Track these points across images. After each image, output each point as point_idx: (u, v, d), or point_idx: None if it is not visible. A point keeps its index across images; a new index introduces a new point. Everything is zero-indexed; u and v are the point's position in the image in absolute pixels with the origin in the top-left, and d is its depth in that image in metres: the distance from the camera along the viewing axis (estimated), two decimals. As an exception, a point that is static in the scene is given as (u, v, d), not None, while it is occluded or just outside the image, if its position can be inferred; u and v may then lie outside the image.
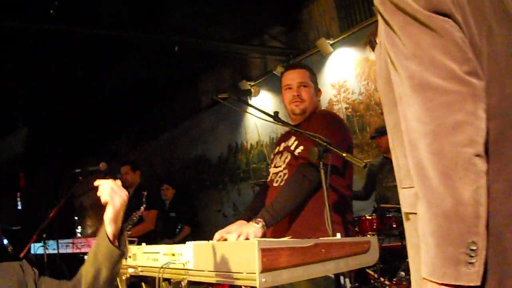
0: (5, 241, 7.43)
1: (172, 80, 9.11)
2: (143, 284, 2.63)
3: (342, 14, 6.25)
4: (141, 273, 2.28)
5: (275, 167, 2.87)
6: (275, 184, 2.80)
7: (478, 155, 1.05)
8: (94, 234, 5.59)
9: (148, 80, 8.80)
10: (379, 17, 1.26)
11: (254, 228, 2.35)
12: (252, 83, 7.70)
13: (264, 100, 7.56)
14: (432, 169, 1.06)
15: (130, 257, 2.39)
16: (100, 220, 1.88)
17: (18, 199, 13.66)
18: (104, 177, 4.76)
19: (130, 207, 5.42)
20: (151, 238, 5.30)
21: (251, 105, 2.93)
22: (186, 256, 1.92)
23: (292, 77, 2.88)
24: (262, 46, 7.33)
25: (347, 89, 6.04)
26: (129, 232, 5.06)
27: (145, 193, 5.23)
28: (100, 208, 1.90)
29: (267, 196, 2.86)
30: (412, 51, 1.12)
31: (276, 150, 3.00)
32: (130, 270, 2.34)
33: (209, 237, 6.99)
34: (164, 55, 7.50)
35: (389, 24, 1.21)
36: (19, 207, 13.58)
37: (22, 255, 8.57)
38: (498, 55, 1.21)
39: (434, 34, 1.10)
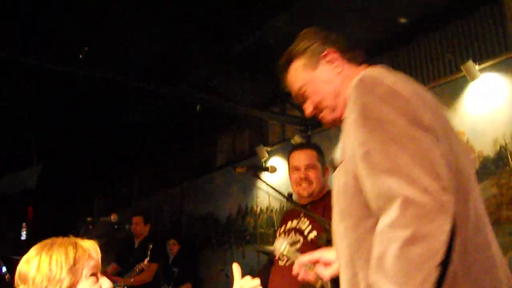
0: (4, 269, 7.48)
1: (190, 134, 9.29)
2: None
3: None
4: None
5: None
6: (280, 263, 2.79)
7: (439, 265, 1.17)
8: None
9: (166, 130, 8.99)
10: (349, 131, 1.38)
11: None
12: (269, 149, 7.87)
13: (279, 167, 7.63)
14: (394, 271, 1.16)
15: None
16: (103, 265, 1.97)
17: (23, 230, 13.76)
18: (113, 227, 4.81)
19: (136, 257, 5.48)
20: None
21: (267, 184, 2.96)
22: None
23: (300, 158, 2.93)
24: (282, 114, 7.48)
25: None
26: (131, 280, 5.15)
27: (151, 246, 5.34)
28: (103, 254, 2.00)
29: (273, 274, 2.84)
30: (390, 166, 1.23)
31: (283, 228, 2.99)
32: None
33: None
34: (185, 109, 7.68)
35: (366, 139, 1.33)
36: (23, 237, 13.68)
37: None
38: (464, 168, 1.37)
39: (413, 151, 1.23)
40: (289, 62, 2.02)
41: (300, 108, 7.28)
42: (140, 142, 9.72)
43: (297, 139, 7.01)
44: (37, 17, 5.49)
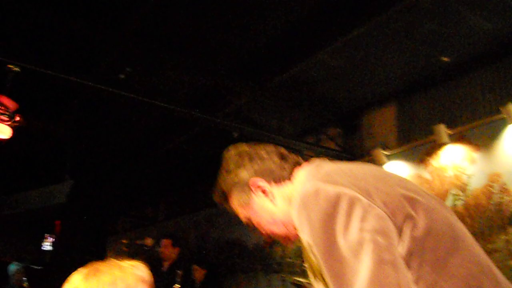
0: (24, 278, 7.80)
1: (219, 160, 9.48)
2: None
3: (401, 128, 6.60)
4: None
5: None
6: None
7: None
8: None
9: (196, 156, 9.21)
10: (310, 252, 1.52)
11: None
12: (303, 179, 7.95)
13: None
14: None
15: None
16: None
17: (46, 241, 14.20)
18: (147, 251, 5.10)
19: (164, 281, 5.60)
20: None
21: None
22: None
23: None
24: (317, 145, 7.66)
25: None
26: None
27: (181, 272, 5.50)
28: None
29: None
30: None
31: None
32: None
33: None
34: (217, 136, 7.92)
35: (324, 267, 1.45)
36: (44, 248, 14.12)
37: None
38: (445, 226, 1.54)
39: (365, 274, 1.35)
40: (225, 199, 2.08)
41: (335, 139, 7.53)
42: (170, 165, 10.01)
43: (333, 172, 7.17)
44: (81, 35, 5.80)
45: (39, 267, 9.09)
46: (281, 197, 1.91)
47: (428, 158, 6.13)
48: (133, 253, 9.29)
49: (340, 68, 6.06)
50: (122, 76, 6.09)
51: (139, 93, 6.10)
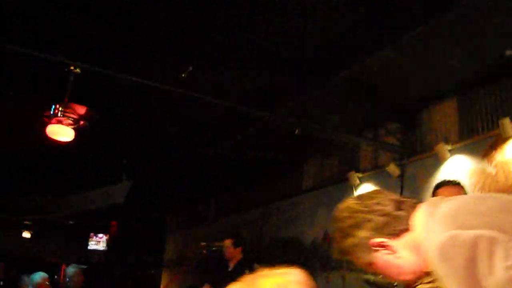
0: (40, 274, 8.02)
1: (274, 158, 9.69)
2: None
3: (463, 122, 6.67)
4: None
5: None
6: None
7: None
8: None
9: (251, 154, 9.44)
10: None
11: None
12: (361, 175, 8.14)
13: (369, 193, 7.96)
14: None
15: None
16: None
17: (91, 240, 14.62)
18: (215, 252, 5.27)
19: (230, 282, 5.77)
20: None
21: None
22: None
23: (451, 194, 3.09)
24: (376, 140, 7.78)
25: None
26: None
27: (247, 271, 5.64)
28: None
29: None
30: None
31: None
32: None
33: None
34: (273, 133, 8.10)
35: None
36: (89, 247, 14.54)
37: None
38: None
39: None
40: (345, 255, 2.08)
41: (394, 134, 7.64)
42: (223, 162, 10.26)
43: (392, 168, 7.25)
44: (143, 34, 6.03)
45: (84, 267, 9.38)
46: (404, 249, 1.94)
47: (492, 152, 6.20)
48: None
49: (401, 64, 6.17)
50: (184, 75, 6.29)
51: (199, 92, 6.32)
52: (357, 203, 2.03)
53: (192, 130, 8.50)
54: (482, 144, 6.32)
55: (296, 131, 6.66)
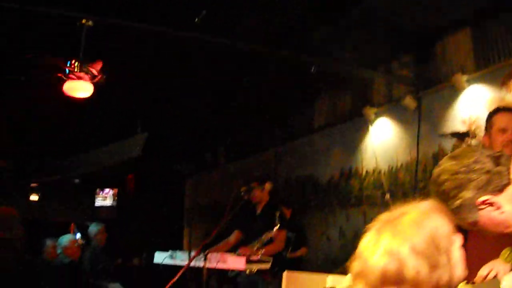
0: (78, 235, 8.21)
1: (284, 97, 9.76)
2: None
3: (479, 51, 6.70)
4: None
5: None
6: None
7: None
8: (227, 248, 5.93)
9: (259, 93, 9.50)
10: None
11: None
12: (375, 110, 8.21)
13: (384, 129, 8.10)
14: None
15: None
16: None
17: (97, 196, 14.83)
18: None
19: (260, 225, 5.85)
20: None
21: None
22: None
23: (510, 120, 3.17)
24: (390, 73, 7.82)
25: (479, 127, 6.50)
26: (259, 251, 5.56)
27: (278, 212, 5.73)
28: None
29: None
30: None
31: None
32: None
33: (312, 258, 7.55)
34: (282, 70, 8.16)
35: None
36: (96, 204, 14.75)
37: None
38: None
39: None
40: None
41: (408, 67, 7.69)
42: (230, 109, 10.34)
43: (409, 101, 7.32)
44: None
45: (91, 223, 9.50)
46: (508, 203, 1.98)
47: (510, 80, 6.28)
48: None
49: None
50: (198, 20, 6.29)
51: (214, 36, 6.34)
52: (454, 164, 2.05)
53: (206, 75, 8.51)
54: (500, 73, 6.32)
55: (312, 69, 6.67)
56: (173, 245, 7.56)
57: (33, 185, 13.01)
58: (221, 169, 13.29)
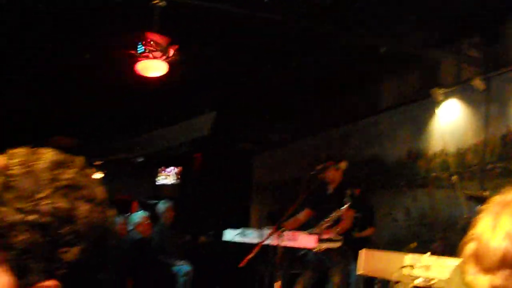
0: (141, 213, 8.33)
1: (352, 76, 9.88)
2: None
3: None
4: (435, 285, 2.80)
5: None
6: None
7: None
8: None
9: (326, 72, 9.60)
10: None
11: None
12: (443, 91, 8.23)
13: (452, 111, 8.19)
14: None
15: (420, 267, 2.94)
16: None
17: (160, 175, 15.22)
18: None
19: (331, 204, 6.04)
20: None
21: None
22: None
23: None
24: (458, 54, 7.87)
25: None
26: (325, 231, 5.74)
27: (349, 192, 5.91)
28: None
29: None
30: None
31: None
32: (419, 280, 2.91)
33: (377, 238, 7.61)
34: (350, 49, 8.30)
35: None
36: (158, 182, 15.14)
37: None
38: None
39: None
40: None
41: (477, 48, 7.74)
42: (299, 83, 10.50)
43: (478, 82, 7.31)
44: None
45: (153, 201, 9.75)
46: None
47: None
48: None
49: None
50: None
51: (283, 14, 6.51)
52: None
53: (269, 56, 8.71)
54: None
55: (382, 49, 6.79)
56: (240, 223, 7.80)
57: (96, 163, 13.43)
58: (287, 148, 13.49)
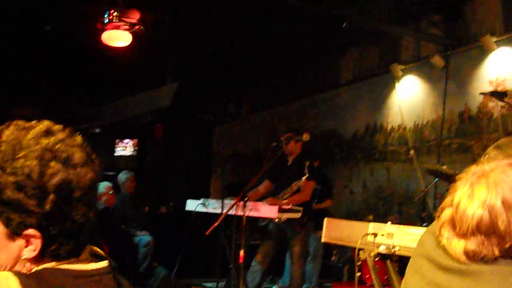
0: (103, 184, 8.34)
1: (311, 50, 9.98)
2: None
3: (508, 14, 6.96)
4: (397, 253, 2.93)
5: None
6: None
7: None
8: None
9: (286, 46, 9.63)
10: None
11: None
12: (403, 67, 8.45)
13: (411, 87, 8.41)
14: None
15: (383, 235, 3.08)
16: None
17: (117, 146, 15.18)
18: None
19: (290, 175, 6.11)
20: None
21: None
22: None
23: None
24: (421, 31, 8.02)
25: (505, 88, 6.84)
26: (285, 201, 5.83)
27: (307, 163, 5.98)
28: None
29: None
30: None
31: None
32: (382, 248, 3.01)
33: (334, 210, 7.67)
34: (310, 23, 8.37)
35: None
36: (116, 154, 15.09)
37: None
38: None
39: None
40: None
41: (437, 25, 7.92)
42: (255, 61, 10.55)
43: (437, 59, 7.52)
44: None
45: (112, 173, 9.69)
46: None
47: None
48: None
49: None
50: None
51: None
52: (497, 154, 2.02)
53: (232, 25, 8.72)
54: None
55: (344, 24, 6.87)
56: (201, 194, 7.86)
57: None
58: (244, 120, 13.59)
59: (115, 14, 6.24)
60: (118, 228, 7.75)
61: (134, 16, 6.35)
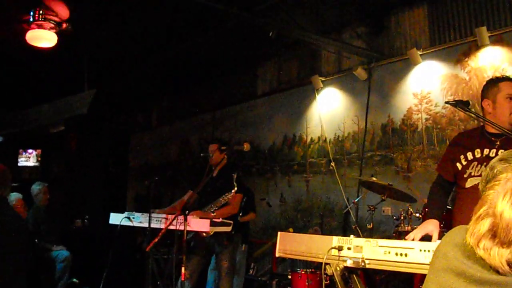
0: (14, 195, 7.95)
1: (228, 61, 9.87)
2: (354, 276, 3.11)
3: (433, 28, 7.05)
4: (367, 266, 2.84)
5: (477, 176, 3.30)
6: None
7: None
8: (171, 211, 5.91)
9: (201, 56, 9.51)
10: None
11: None
12: (323, 79, 8.46)
13: (332, 98, 8.40)
14: None
15: (349, 248, 2.98)
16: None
17: (20, 156, 14.56)
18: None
19: (217, 188, 5.93)
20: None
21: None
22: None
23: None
24: (345, 43, 7.95)
25: (430, 101, 6.91)
26: (213, 214, 5.65)
27: (235, 175, 5.82)
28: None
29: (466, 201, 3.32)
30: None
31: (477, 155, 3.38)
32: (349, 262, 2.93)
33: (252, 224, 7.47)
34: (224, 32, 8.24)
35: None
36: (20, 164, 14.48)
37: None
38: None
39: None
40: None
41: (362, 37, 7.95)
42: (167, 72, 10.45)
43: (360, 72, 7.57)
44: None
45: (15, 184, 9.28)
46: None
47: (465, 58, 6.70)
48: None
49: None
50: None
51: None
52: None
53: (149, 37, 8.51)
54: (454, 51, 6.78)
55: (271, 34, 6.76)
56: (116, 207, 7.57)
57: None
58: (155, 131, 13.29)
59: (40, 12, 5.86)
60: (32, 243, 7.32)
61: (62, 15, 5.97)
